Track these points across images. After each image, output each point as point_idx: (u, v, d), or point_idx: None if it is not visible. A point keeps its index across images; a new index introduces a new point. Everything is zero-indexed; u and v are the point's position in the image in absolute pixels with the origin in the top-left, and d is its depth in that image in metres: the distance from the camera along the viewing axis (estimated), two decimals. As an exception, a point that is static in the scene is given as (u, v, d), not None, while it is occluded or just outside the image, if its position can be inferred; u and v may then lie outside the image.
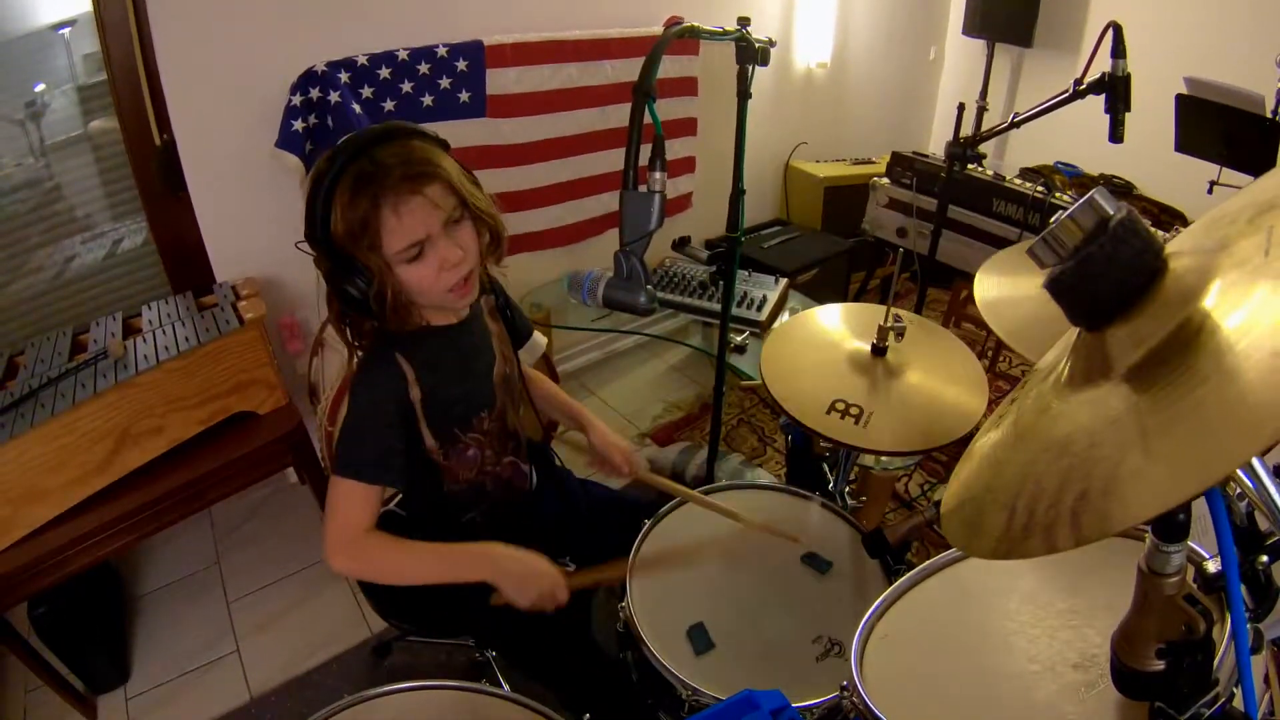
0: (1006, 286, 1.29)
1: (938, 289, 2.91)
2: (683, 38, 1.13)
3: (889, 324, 1.34)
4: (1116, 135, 1.62)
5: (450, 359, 1.12)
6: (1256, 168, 2.26)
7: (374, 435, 1.04)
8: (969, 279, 2.45)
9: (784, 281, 2.39)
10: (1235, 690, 0.58)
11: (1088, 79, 1.61)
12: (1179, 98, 2.41)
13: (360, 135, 0.96)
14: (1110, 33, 1.54)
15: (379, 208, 0.93)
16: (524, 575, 1.05)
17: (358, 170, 0.92)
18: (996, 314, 1.24)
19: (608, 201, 2.48)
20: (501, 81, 2.10)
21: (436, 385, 1.08)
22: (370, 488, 1.03)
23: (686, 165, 2.69)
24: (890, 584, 0.96)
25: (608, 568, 1.17)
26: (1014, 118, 1.75)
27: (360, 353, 1.10)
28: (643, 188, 1.00)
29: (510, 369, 1.23)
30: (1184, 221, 2.87)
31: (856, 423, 1.25)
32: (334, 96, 1.79)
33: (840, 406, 1.27)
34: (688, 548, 1.22)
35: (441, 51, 1.97)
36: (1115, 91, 1.58)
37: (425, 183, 0.95)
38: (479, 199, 1.03)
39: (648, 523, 1.25)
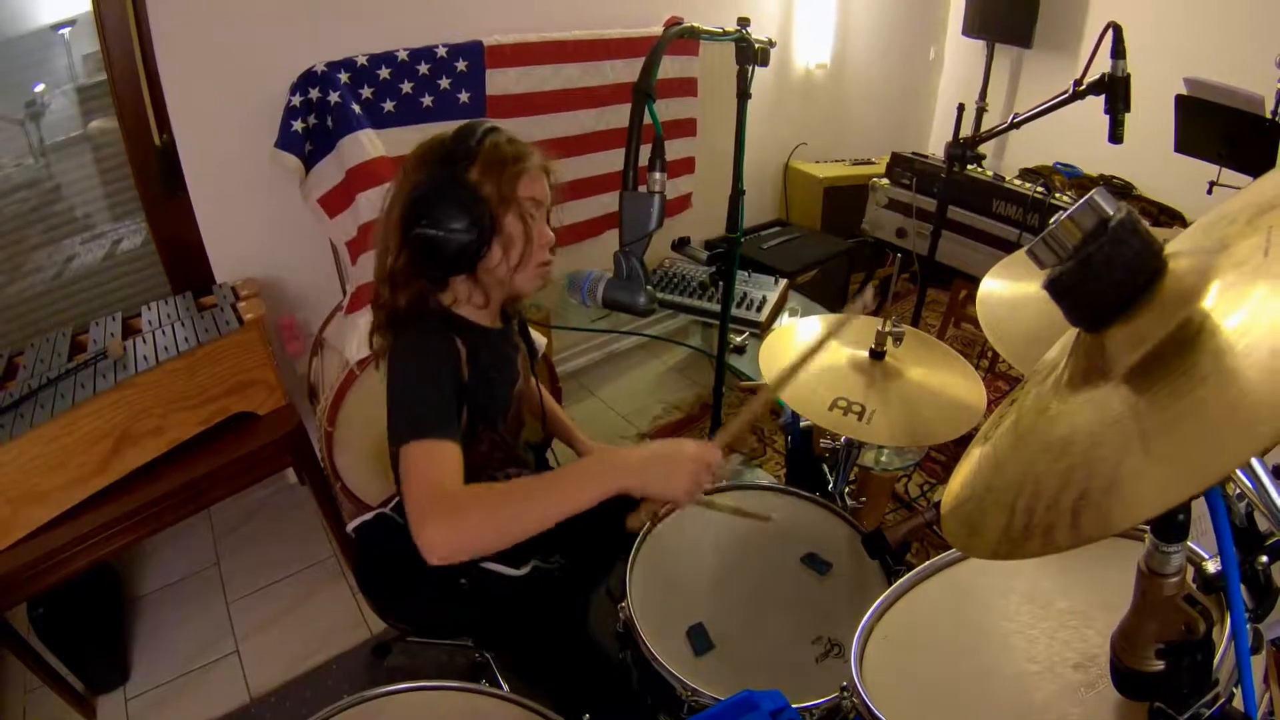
0: (1009, 303, 1.26)
1: (937, 290, 2.91)
2: (683, 38, 1.13)
3: (887, 329, 1.34)
4: (1116, 136, 1.62)
5: (486, 359, 1.10)
6: (1256, 168, 2.26)
7: (435, 391, 0.97)
8: (969, 279, 2.46)
9: (784, 282, 2.39)
10: (1235, 690, 0.58)
11: (1087, 79, 1.61)
12: (1178, 98, 2.41)
13: (483, 122, 1.09)
14: (1110, 33, 1.54)
15: (524, 166, 1.04)
16: (664, 465, 0.90)
17: (504, 139, 1.05)
18: (996, 328, 1.21)
19: (607, 202, 2.48)
20: (501, 82, 2.10)
21: (476, 377, 1.06)
22: (446, 444, 0.91)
23: (686, 166, 2.69)
24: (890, 584, 0.96)
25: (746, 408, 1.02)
26: (1014, 118, 1.75)
27: (386, 329, 1.08)
28: (642, 188, 1.00)
29: (527, 389, 1.24)
30: (1183, 222, 2.87)
31: (860, 419, 1.25)
32: (334, 97, 1.79)
33: (842, 404, 1.28)
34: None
35: (441, 52, 1.97)
36: (1115, 92, 1.58)
37: (547, 172, 1.10)
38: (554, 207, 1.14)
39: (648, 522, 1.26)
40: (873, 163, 3.18)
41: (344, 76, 1.82)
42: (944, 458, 2.25)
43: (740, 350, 2.27)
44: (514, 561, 1.20)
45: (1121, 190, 3.09)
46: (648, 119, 1.01)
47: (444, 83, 2.00)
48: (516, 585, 1.20)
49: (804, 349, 1.07)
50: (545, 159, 1.09)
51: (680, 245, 1.67)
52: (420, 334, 1.03)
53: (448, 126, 1.06)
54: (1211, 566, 0.60)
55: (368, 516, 1.30)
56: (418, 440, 0.90)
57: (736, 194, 1.44)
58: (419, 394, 0.96)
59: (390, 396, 0.97)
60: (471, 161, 1.01)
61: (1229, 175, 2.46)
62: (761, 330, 2.22)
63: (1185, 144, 2.48)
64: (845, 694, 0.83)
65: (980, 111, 3.21)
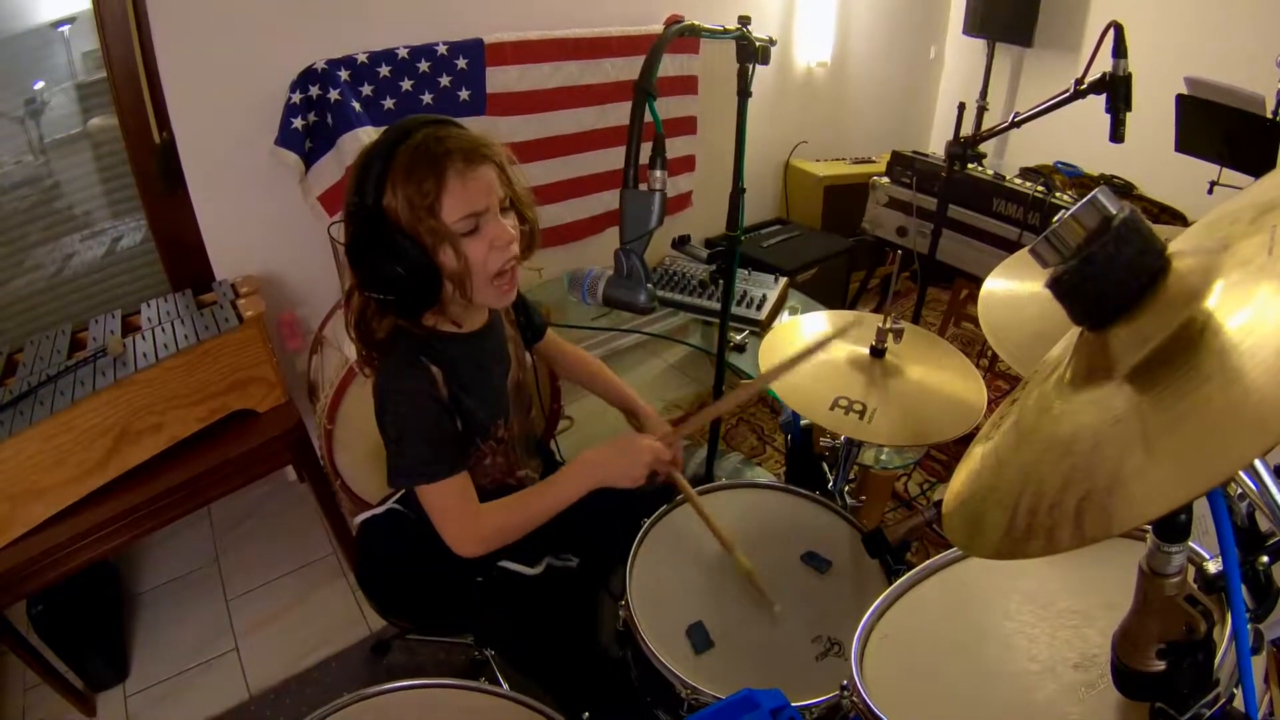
0: (1009, 305, 1.25)
1: (938, 288, 2.91)
2: (683, 36, 1.12)
3: (887, 325, 1.34)
4: (1117, 135, 1.62)
5: (470, 367, 1.11)
6: (1257, 168, 2.26)
7: (432, 434, 1.04)
8: (970, 278, 2.46)
9: (784, 280, 2.39)
10: (1236, 690, 0.58)
11: (1088, 79, 1.61)
12: (1179, 98, 2.41)
13: (419, 116, 0.98)
14: (1111, 32, 1.54)
15: (444, 175, 0.93)
16: (626, 457, 1.09)
17: (420, 142, 0.94)
18: (996, 331, 1.20)
19: (608, 200, 2.48)
20: (501, 79, 2.09)
21: (459, 391, 1.07)
22: (455, 479, 1.04)
23: (686, 164, 2.68)
24: (890, 584, 0.96)
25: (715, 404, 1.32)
26: (1014, 117, 1.75)
27: (373, 360, 1.08)
28: (643, 186, 1.00)
29: (524, 374, 1.23)
30: (1184, 222, 2.87)
31: (861, 418, 1.25)
32: (334, 94, 1.79)
33: (843, 403, 1.27)
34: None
35: (441, 49, 1.97)
36: (1116, 91, 1.58)
37: (487, 161, 0.98)
38: (523, 193, 1.07)
39: (646, 522, 1.25)
40: (873, 161, 3.17)
41: (344, 74, 1.82)
42: (944, 457, 2.25)
43: (740, 348, 2.26)
44: (529, 560, 1.21)
45: (1122, 190, 3.09)
46: (648, 117, 1.01)
47: (444, 80, 2.00)
48: (531, 583, 1.20)
49: (789, 358, 1.20)
50: (472, 148, 0.96)
51: (680, 243, 1.67)
52: (394, 371, 1.04)
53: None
54: (1213, 566, 0.59)
55: (378, 510, 1.30)
56: (430, 484, 1.03)
57: (737, 192, 1.44)
58: (416, 438, 1.03)
59: (387, 445, 1.04)
60: (388, 189, 0.93)
61: (1230, 175, 2.46)
62: (761, 328, 2.22)
63: (1186, 144, 2.48)
64: (845, 693, 0.83)
65: (981, 110, 3.21)
